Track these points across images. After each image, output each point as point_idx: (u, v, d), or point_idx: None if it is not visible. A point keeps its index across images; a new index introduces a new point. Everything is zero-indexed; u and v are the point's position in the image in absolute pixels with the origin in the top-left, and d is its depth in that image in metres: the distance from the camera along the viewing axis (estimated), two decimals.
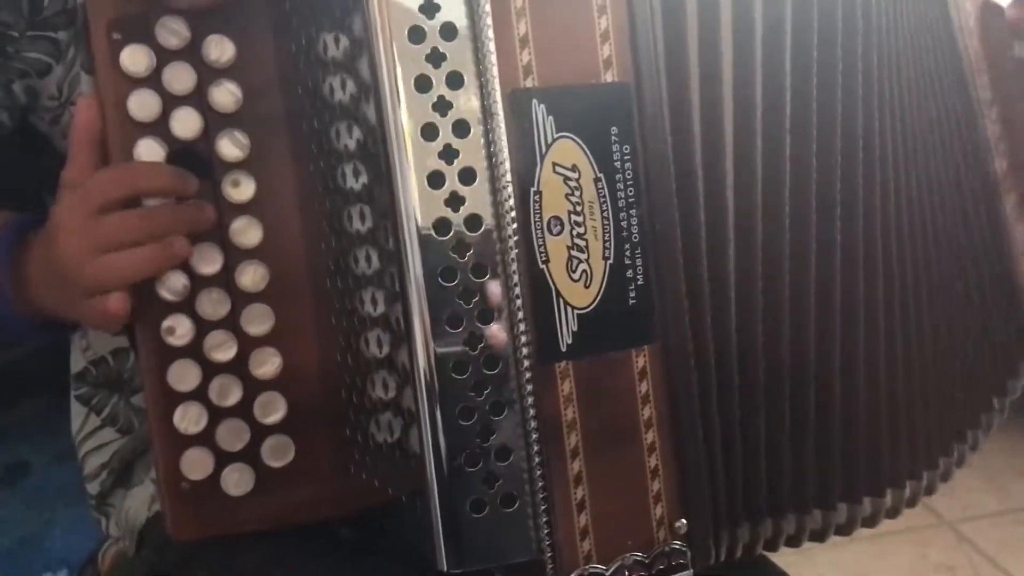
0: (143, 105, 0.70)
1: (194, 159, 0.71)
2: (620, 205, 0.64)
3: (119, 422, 0.92)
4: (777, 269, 0.72)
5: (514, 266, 0.62)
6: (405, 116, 0.61)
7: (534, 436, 0.62)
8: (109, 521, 0.93)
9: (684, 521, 0.66)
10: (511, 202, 0.62)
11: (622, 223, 0.65)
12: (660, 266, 0.66)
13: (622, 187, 0.64)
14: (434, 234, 0.62)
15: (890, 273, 0.79)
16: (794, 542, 0.76)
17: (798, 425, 0.74)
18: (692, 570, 0.67)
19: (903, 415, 0.81)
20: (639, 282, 0.65)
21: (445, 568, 0.63)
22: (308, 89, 0.72)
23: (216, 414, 0.72)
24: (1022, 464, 2.11)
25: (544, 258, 0.62)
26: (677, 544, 0.66)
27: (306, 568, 0.78)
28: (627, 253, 0.65)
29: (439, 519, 0.63)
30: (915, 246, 0.80)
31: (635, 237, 0.65)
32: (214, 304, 0.72)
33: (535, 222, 0.62)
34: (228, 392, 0.72)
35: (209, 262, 0.72)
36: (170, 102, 0.71)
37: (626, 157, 0.64)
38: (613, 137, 0.64)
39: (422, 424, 0.63)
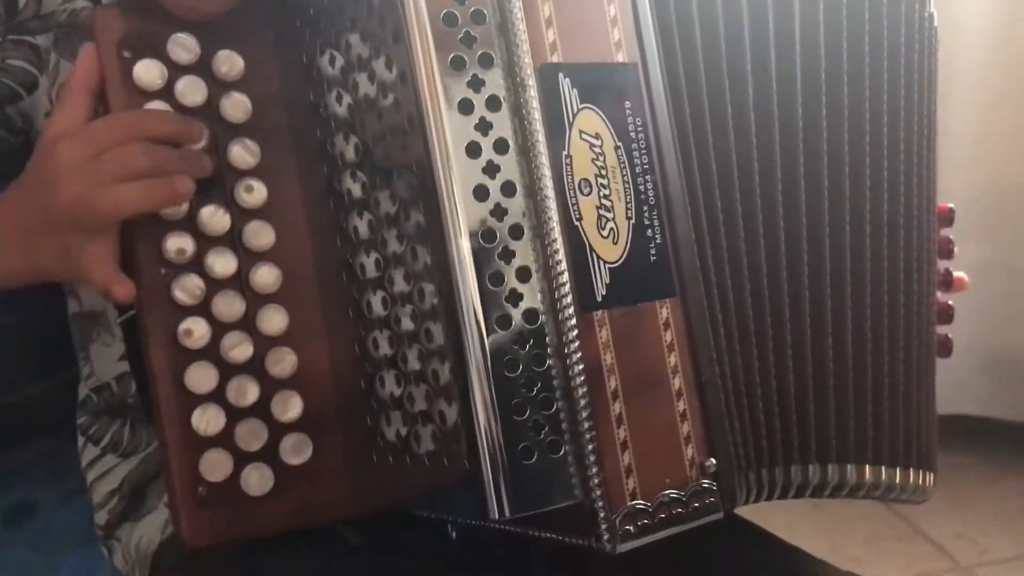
0: None
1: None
2: (637, 171, 0.70)
3: (120, 447, 0.91)
4: (772, 225, 0.78)
5: (552, 223, 0.67)
6: (442, 94, 0.66)
7: (580, 379, 0.66)
8: (114, 555, 0.92)
9: (713, 460, 0.71)
10: (547, 166, 0.67)
11: (640, 187, 0.70)
12: (673, 227, 0.72)
13: (638, 155, 0.70)
14: (473, 199, 0.66)
15: (908, 237, 0.85)
16: (818, 492, 0.79)
17: (817, 376, 0.79)
18: (723, 510, 0.71)
19: (919, 385, 0.86)
20: (657, 241, 0.71)
21: (496, 516, 0.66)
22: (309, 102, 0.76)
23: (234, 414, 0.74)
24: None
25: (578, 215, 0.68)
26: (707, 483, 0.70)
27: None
28: (645, 214, 0.71)
29: (488, 468, 0.66)
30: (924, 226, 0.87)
31: (651, 200, 0.71)
32: (230, 305, 0.74)
33: (568, 183, 0.67)
34: (246, 392, 0.74)
35: (224, 264, 0.74)
36: (182, 113, 0.74)
37: (639, 129, 0.71)
38: (627, 111, 0.70)
39: (471, 378, 0.66)
